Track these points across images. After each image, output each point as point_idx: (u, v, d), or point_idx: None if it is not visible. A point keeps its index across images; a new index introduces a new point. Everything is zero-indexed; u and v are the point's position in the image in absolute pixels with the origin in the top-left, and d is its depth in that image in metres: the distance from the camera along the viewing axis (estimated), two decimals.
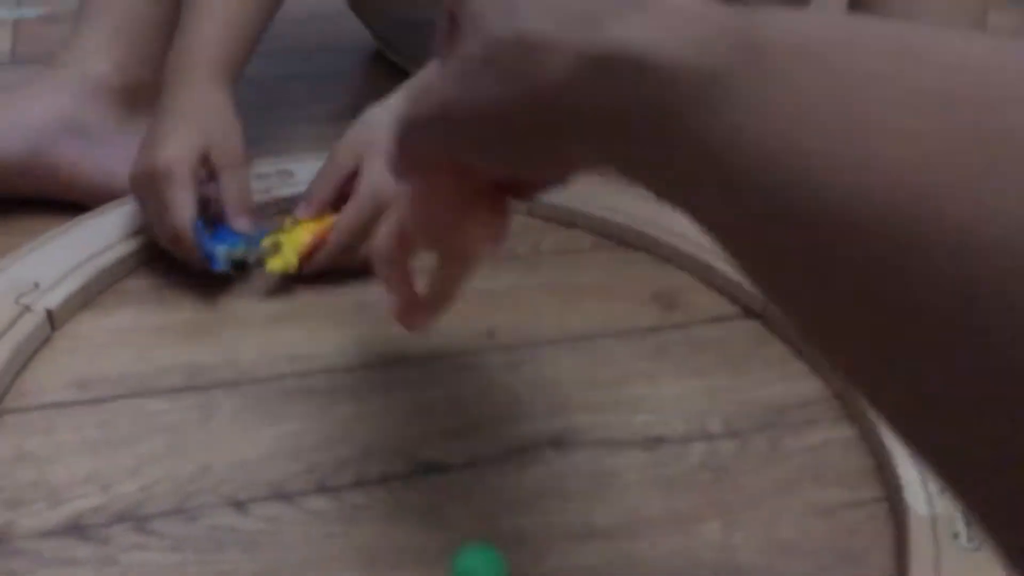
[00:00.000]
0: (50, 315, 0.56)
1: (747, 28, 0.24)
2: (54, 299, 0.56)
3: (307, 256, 0.60)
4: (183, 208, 0.57)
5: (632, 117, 0.26)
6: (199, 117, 0.61)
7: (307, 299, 0.62)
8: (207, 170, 0.60)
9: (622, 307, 0.63)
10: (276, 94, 0.88)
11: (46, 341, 0.56)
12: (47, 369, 0.54)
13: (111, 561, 0.43)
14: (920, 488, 0.49)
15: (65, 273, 0.59)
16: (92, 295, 0.59)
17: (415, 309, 0.46)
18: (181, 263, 0.61)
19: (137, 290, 0.61)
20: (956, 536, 0.47)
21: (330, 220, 0.61)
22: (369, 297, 0.61)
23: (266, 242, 0.60)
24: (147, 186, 0.58)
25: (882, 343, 0.21)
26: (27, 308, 0.55)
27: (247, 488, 0.48)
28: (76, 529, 0.45)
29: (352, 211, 0.60)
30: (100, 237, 0.62)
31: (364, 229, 0.59)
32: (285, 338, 0.58)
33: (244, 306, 0.60)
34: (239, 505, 0.47)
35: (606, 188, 0.73)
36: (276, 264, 0.60)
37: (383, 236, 0.45)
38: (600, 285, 0.66)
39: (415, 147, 0.35)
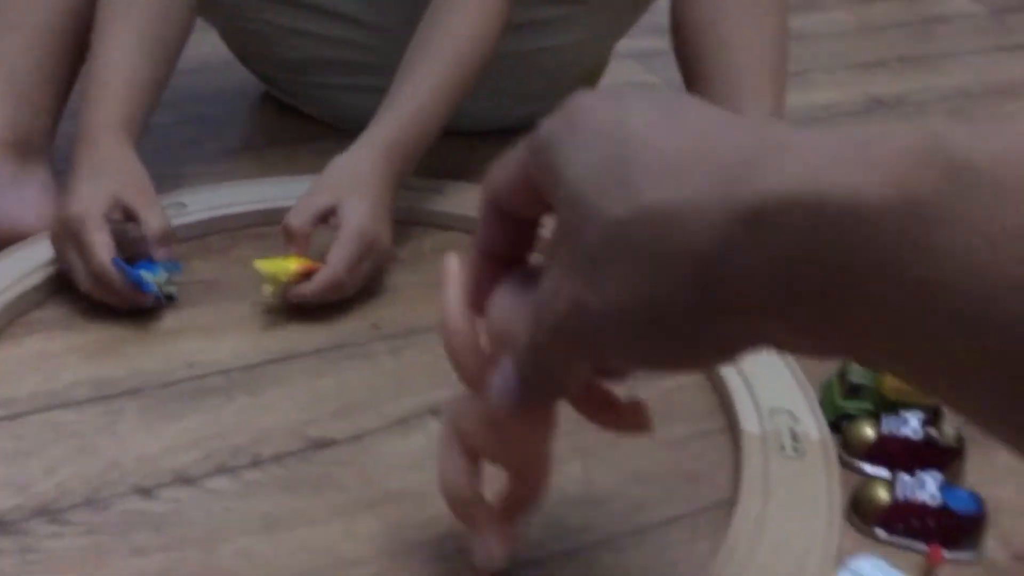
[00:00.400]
0: None
1: (936, 147, 0.22)
2: None
3: (295, 283, 0.65)
4: (101, 247, 0.62)
5: (812, 270, 0.23)
6: (108, 168, 0.66)
7: (203, 312, 0.67)
8: (123, 213, 0.65)
9: None
10: (173, 136, 0.93)
11: None
12: None
13: (32, 549, 0.48)
14: (754, 413, 0.57)
15: None
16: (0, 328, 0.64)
17: (503, 536, 0.43)
18: (87, 296, 0.66)
19: (44, 319, 0.65)
20: (783, 448, 0.54)
21: (308, 261, 0.66)
22: (258, 301, 0.66)
23: (261, 267, 0.65)
24: (65, 235, 0.63)
25: None
26: None
27: (152, 476, 0.53)
28: None
29: (343, 249, 0.64)
30: (3, 276, 0.67)
31: (354, 265, 0.65)
32: (183, 348, 0.63)
33: (144, 325, 0.65)
34: (145, 492, 0.52)
35: (477, 191, 0.80)
36: (268, 290, 0.65)
37: (449, 474, 0.42)
38: None
39: (551, 367, 0.31)
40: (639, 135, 0.27)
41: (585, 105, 0.29)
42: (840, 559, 0.45)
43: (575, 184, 0.27)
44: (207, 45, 0.98)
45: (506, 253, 0.37)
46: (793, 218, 0.23)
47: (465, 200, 0.79)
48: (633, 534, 0.50)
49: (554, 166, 0.28)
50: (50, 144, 0.77)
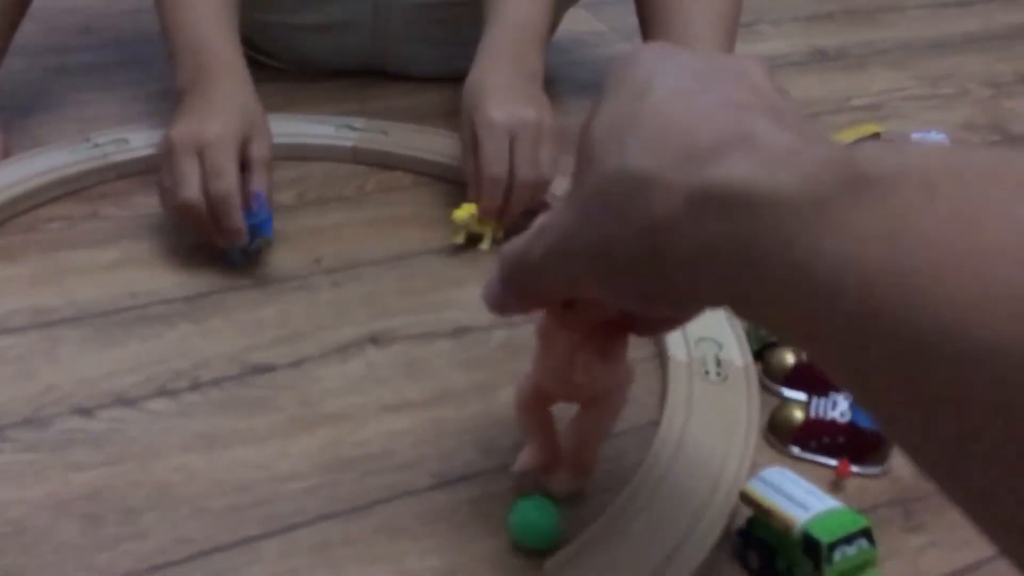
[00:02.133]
0: None
1: (849, 159, 0.25)
2: None
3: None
4: (232, 174, 0.61)
5: (741, 253, 0.26)
6: (247, 111, 0.66)
7: (145, 245, 0.67)
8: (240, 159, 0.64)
9: (439, 232, 0.71)
10: (118, 76, 0.92)
11: None
12: None
13: None
14: (682, 342, 0.59)
15: None
16: None
17: (554, 461, 0.47)
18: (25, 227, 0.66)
19: None
20: (707, 373, 0.56)
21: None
22: (200, 239, 0.67)
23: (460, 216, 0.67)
24: (190, 151, 0.62)
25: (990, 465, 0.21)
26: None
27: (92, 398, 0.54)
28: None
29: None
30: None
31: (530, 157, 0.67)
32: (124, 279, 0.64)
33: (83, 256, 0.66)
34: (85, 412, 0.53)
35: (423, 132, 0.81)
36: (487, 243, 0.69)
37: (518, 389, 0.46)
38: (419, 216, 0.74)
39: (535, 280, 0.35)
40: (655, 101, 0.30)
41: (635, 59, 0.32)
42: (754, 472, 0.48)
43: (593, 134, 0.31)
44: None
45: None
46: (727, 206, 0.26)
47: (412, 141, 0.80)
48: None
49: (595, 110, 0.32)
50: None
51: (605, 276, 0.31)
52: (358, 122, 0.82)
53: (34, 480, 0.48)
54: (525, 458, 0.48)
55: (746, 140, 0.27)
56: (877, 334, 0.22)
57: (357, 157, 0.79)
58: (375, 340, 0.60)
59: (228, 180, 0.61)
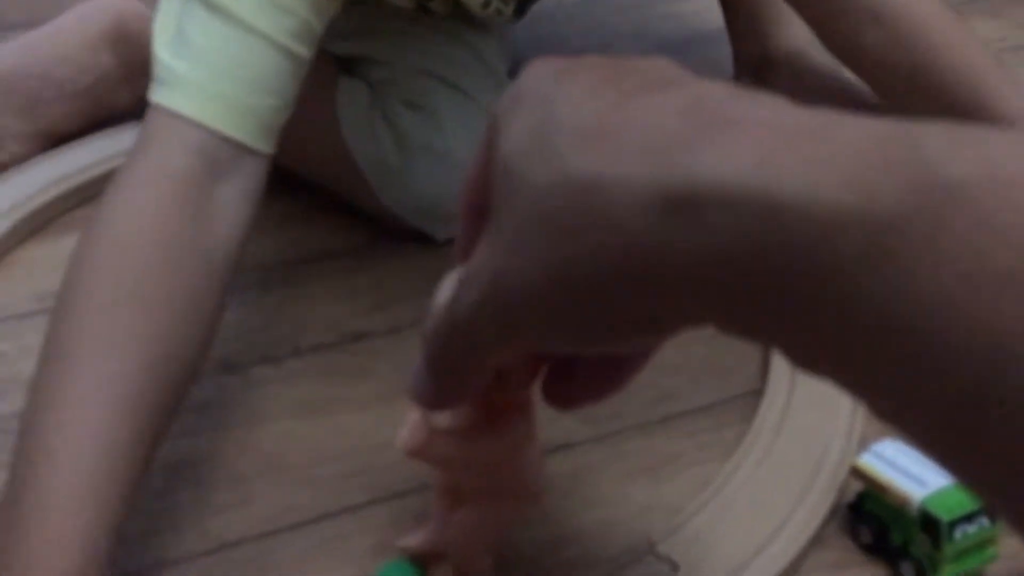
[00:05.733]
0: None
1: (914, 153, 0.19)
2: None
3: None
4: None
5: (754, 272, 0.20)
6: None
7: None
8: None
9: None
10: None
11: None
12: (6, 288, 0.60)
13: None
14: None
15: None
16: (25, 233, 0.64)
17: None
18: None
19: (79, 221, 0.67)
20: None
21: None
22: (298, 205, 0.68)
23: None
24: None
25: None
26: None
27: None
28: None
29: None
30: (42, 177, 0.68)
31: None
32: None
33: None
34: None
35: None
36: None
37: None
38: None
39: (468, 348, 0.27)
40: (569, 99, 0.24)
41: (529, 75, 0.26)
42: (864, 445, 0.46)
43: (505, 154, 0.25)
44: None
45: None
46: (732, 210, 0.20)
47: None
48: (662, 421, 0.52)
49: (494, 141, 0.26)
50: None
51: (558, 315, 0.24)
52: None
53: None
54: (417, 538, 0.40)
55: (728, 122, 0.21)
56: (994, 408, 0.17)
57: None
58: None
59: None
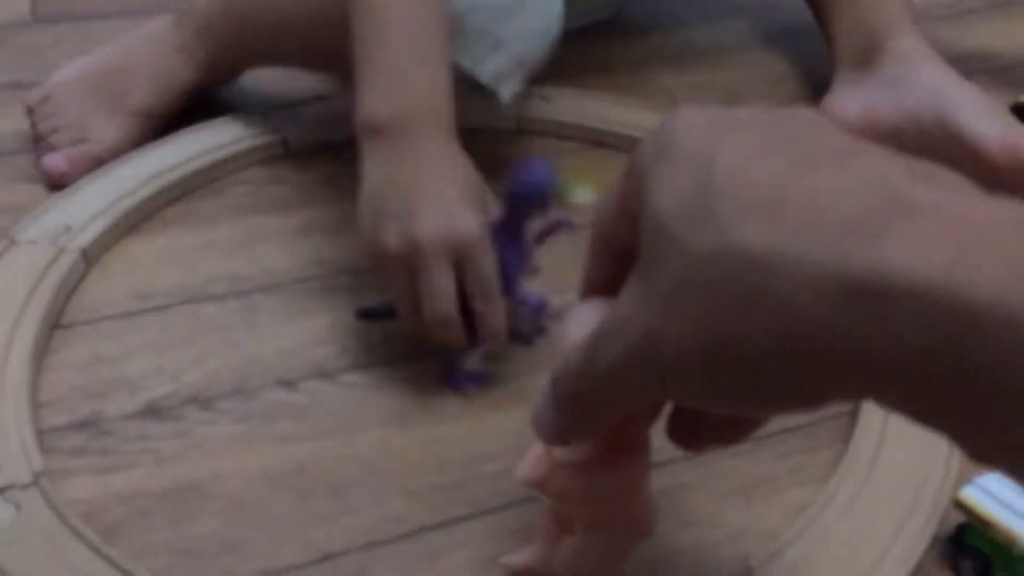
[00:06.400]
0: (84, 253, 0.61)
1: None
2: (86, 238, 0.62)
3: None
4: (495, 279, 0.51)
5: (937, 366, 0.20)
6: (474, 182, 0.52)
7: (326, 213, 0.69)
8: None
9: None
10: None
11: (93, 266, 0.63)
12: (107, 286, 0.61)
13: (185, 435, 0.51)
14: None
15: (94, 215, 0.64)
16: (123, 229, 0.65)
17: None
18: (214, 192, 0.68)
19: (175, 217, 0.68)
20: None
21: None
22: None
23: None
24: (445, 255, 0.50)
25: None
26: (62, 249, 0.61)
27: (293, 370, 0.56)
28: (153, 412, 0.53)
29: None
30: (138, 174, 0.69)
31: None
32: (311, 247, 0.65)
33: (271, 223, 0.68)
34: (288, 384, 0.55)
35: (593, 97, 0.79)
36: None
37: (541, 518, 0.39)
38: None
39: (603, 397, 0.28)
40: (733, 163, 0.24)
41: (679, 128, 0.26)
42: (968, 477, 0.46)
43: (659, 212, 0.25)
44: None
45: (616, 287, 0.31)
46: (922, 306, 0.20)
47: (575, 106, 0.79)
48: (753, 441, 0.52)
49: (642, 193, 0.26)
50: None
51: (715, 382, 0.24)
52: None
53: (247, 452, 0.51)
54: (521, 559, 0.41)
55: (909, 208, 0.21)
56: None
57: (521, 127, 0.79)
58: (559, 317, 0.60)
59: (495, 286, 0.51)
